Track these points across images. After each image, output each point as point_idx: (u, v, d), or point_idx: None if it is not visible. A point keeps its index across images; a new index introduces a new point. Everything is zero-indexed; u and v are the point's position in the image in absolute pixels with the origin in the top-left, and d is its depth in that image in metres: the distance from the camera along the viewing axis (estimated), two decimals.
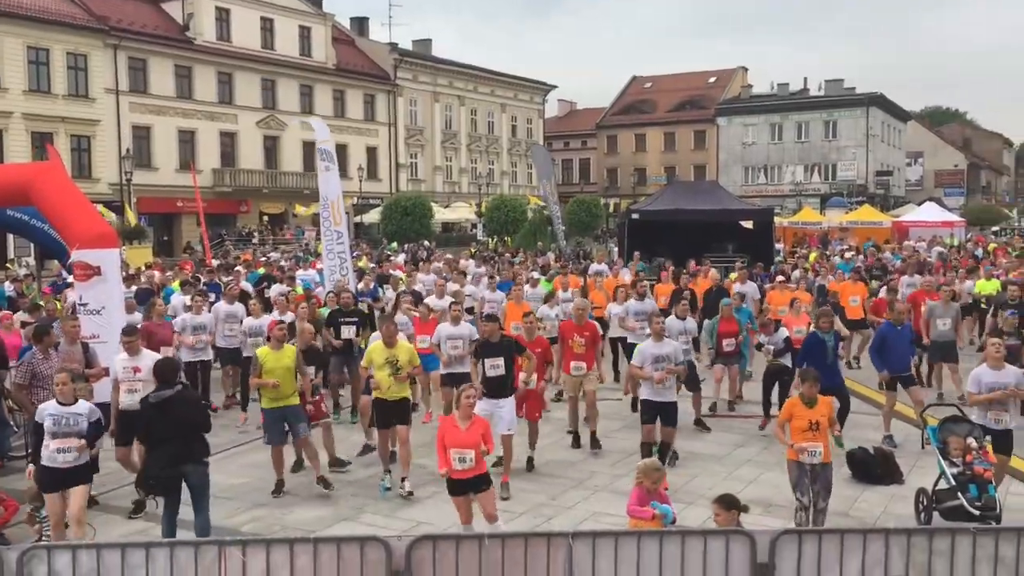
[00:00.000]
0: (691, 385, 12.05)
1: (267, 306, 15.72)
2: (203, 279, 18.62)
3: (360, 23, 62.34)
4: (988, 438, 8.67)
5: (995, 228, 53.44)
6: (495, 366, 9.67)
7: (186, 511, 7.83)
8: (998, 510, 7.92)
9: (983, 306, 15.83)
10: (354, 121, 55.89)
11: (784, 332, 12.27)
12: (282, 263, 24.95)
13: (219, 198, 47.09)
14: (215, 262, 26.17)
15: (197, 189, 33.91)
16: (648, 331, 10.87)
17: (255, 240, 43.70)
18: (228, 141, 49.19)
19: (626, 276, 19.21)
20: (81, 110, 41.94)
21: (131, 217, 36.23)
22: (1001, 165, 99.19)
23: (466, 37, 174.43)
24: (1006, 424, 8.88)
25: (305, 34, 53.37)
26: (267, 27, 51.19)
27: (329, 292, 14.66)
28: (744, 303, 14.25)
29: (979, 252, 30.37)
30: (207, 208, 35.76)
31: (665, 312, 13.14)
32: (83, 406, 7.60)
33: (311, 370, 10.37)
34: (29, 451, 8.44)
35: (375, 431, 10.17)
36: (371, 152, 57.09)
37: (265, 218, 49.90)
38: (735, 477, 10.13)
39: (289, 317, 13.45)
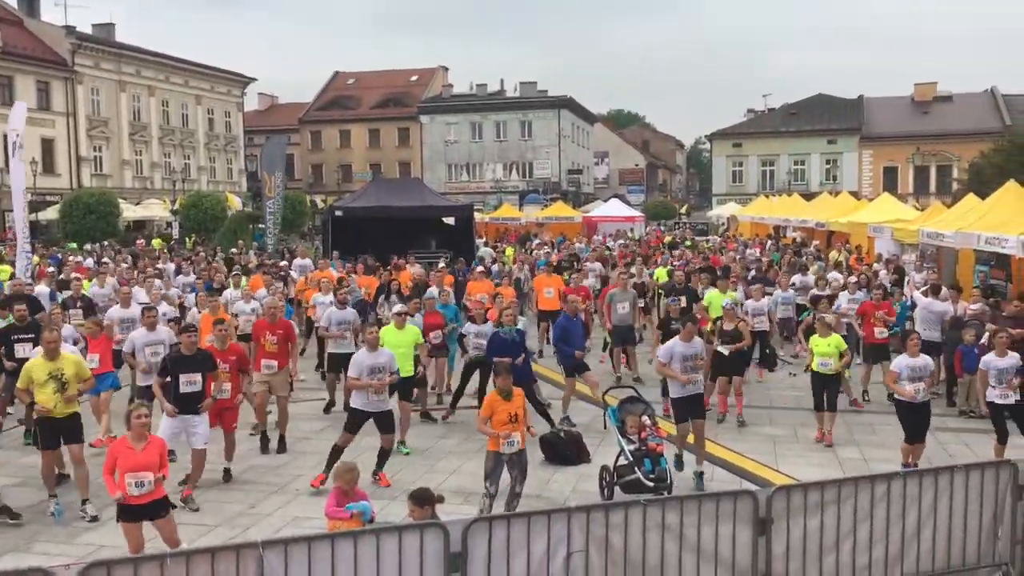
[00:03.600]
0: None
1: None
2: None
3: (30, 2, 56.28)
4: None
5: (669, 223, 58.96)
6: (191, 382, 9.16)
7: None
8: (669, 480, 8.74)
9: (659, 292, 17.35)
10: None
11: (490, 326, 12.48)
12: None
13: None
14: None
15: None
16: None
17: None
18: None
19: (334, 273, 18.94)
20: None
21: None
22: (675, 165, 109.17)
23: (156, 24, 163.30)
24: (699, 387, 9.80)
25: None
26: None
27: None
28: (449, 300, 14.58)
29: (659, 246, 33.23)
30: None
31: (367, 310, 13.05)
32: None
33: None
34: None
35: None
36: (47, 144, 51.76)
37: None
38: (437, 469, 10.33)
39: None
